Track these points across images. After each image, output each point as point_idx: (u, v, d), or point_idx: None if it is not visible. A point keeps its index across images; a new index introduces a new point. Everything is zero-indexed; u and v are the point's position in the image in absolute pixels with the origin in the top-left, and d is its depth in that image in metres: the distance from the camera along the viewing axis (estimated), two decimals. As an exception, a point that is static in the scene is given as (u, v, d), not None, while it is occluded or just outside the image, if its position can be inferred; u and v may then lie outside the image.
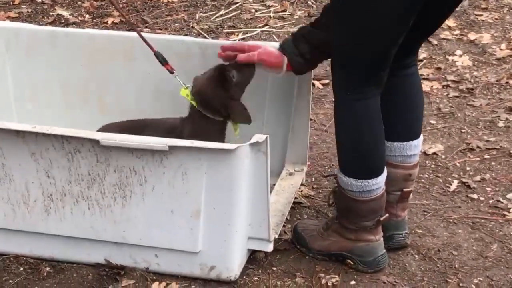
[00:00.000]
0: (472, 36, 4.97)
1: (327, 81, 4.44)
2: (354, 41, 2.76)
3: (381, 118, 2.88)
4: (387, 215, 2.98)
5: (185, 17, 5.30)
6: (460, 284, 2.96)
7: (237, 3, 5.47)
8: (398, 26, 2.72)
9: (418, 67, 4.31)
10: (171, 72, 3.15)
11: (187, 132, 3.03)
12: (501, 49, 4.79)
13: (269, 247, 2.96)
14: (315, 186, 3.54)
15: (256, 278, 2.98)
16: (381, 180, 2.92)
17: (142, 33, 3.24)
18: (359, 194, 2.91)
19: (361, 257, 2.99)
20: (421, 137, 3.09)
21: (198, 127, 3.05)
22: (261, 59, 3.03)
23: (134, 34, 3.29)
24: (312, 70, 3.19)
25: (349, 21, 2.74)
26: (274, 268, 3.03)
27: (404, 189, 3.06)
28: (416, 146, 3.06)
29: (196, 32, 5.08)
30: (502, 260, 3.08)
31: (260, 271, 3.02)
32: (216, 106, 3.02)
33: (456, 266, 3.05)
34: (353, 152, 2.91)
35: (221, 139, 3.06)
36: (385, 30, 2.71)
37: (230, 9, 5.40)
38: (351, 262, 3.01)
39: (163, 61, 3.16)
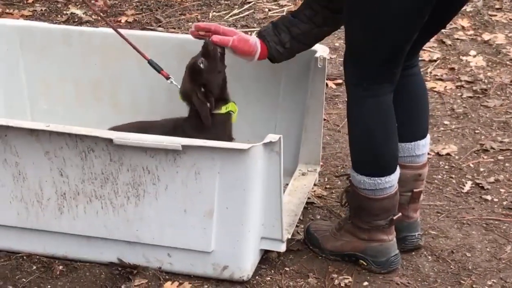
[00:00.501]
0: (486, 36, 4.95)
1: (340, 81, 4.43)
2: (369, 37, 2.75)
3: (394, 115, 2.87)
4: (400, 214, 2.97)
5: (199, 16, 5.29)
6: (474, 286, 2.95)
7: (250, 2, 5.46)
8: (413, 22, 2.71)
9: (432, 68, 4.31)
10: (167, 78, 3.17)
11: (188, 130, 3.04)
12: (515, 50, 4.78)
13: (282, 247, 2.96)
14: (328, 186, 3.53)
15: (269, 278, 2.98)
16: (394, 178, 2.91)
17: (143, 30, 3.25)
18: (372, 192, 2.90)
19: (374, 257, 2.98)
20: (428, 136, 3.08)
21: (198, 123, 3.05)
22: (234, 46, 3.03)
23: (147, 33, 3.30)
24: (326, 72, 3.17)
25: (364, 16, 2.73)
26: (287, 269, 3.03)
27: (415, 190, 3.05)
28: (424, 146, 3.05)
29: (209, 31, 5.07)
30: (516, 262, 3.08)
31: (272, 271, 3.01)
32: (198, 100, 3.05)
33: (470, 267, 3.04)
34: (365, 149, 2.90)
35: (225, 132, 3.07)
36: (400, 26, 2.70)
37: (244, 8, 5.39)
38: (364, 263, 3.00)
39: (158, 69, 3.18)
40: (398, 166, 2.94)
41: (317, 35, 3.05)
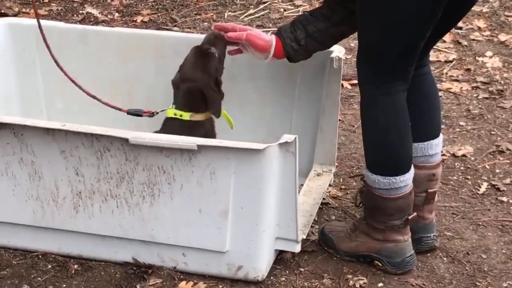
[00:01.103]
0: (502, 37, 4.93)
1: (355, 81, 4.42)
2: (383, 35, 2.75)
3: (407, 114, 2.87)
4: (415, 214, 2.96)
5: (214, 16, 5.30)
6: (489, 288, 2.94)
7: (266, 2, 5.46)
8: (426, 20, 2.70)
9: (448, 69, 4.29)
10: (152, 114, 3.16)
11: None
12: (531, 51, 4.76)
13: (297, 248, 2.95)
14: (343, 187, 3.52)
15: (284, 279, 2.97)
16: (408, 177, 2.90)
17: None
18: (387, 192, 2.90)
19: (390, 258, 2.97)
20: (441, 135, 3.07)
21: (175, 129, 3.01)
22: (249, 39, 3.03)
23: (163, 32, 3.30)
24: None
25: (378, 14, 2.72)
26: (302, 269, 3.02)
27: (429, 190, 3.04)
28: (437, 145, 3.05)
29: (224, 31, 5.07)
30: (532, 264, 3.06)
31: (287, 271, 3.01)
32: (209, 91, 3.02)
33: (485, 269, 3.03)
34: (379, 148, 2.90)
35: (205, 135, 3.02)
36: (414, 23, 2.70)
37: (259, 8, 5.39)
38: (379, 264, 3.00)
39: (139, 113, 3.18)
40: (412, 165, 2.93)
41: (334, 34, 3.05)
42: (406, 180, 2.90)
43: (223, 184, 2.81)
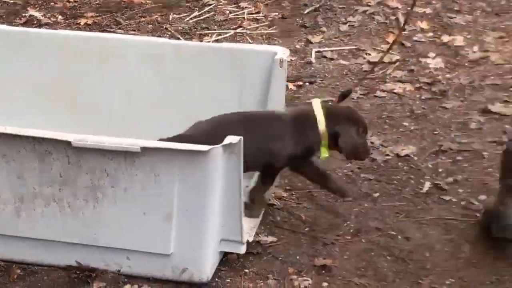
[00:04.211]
0: (445, 38, 4.99)
1: (300, 82, 4.45)
2: None
3: None
4: None
5: (159, 19, 5.28)
6: (432, 285, 2.97)
7: (210, 4, 5.46)
8: None
9: (391, 70, 4.33)
10: None
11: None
12: (473, 51, 4.81)
13: (242, 249, 2.96)
14: (288, 187, 3.53)
15: (229, 280, 2.97)
16: None
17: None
18: None
19: None
20: None
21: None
22: None
23: (107, 35, 3.29)
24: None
25: None
26: (247, 270, 3.03)
27: None
28: None
29: (169, 33, 5.06)
30: (474, 261, 3.09)
31: (232, 273, 3.01)
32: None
33: (428, 267, 3.06)
34: None
35: None
36: None
37: (204, 10, 5.39)
38: None
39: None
40: None
41: None
42: None
43: (167, 187, 2.80)
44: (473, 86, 4.43)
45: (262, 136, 3.09)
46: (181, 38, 4.97)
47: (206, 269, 2.91)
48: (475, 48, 4.85)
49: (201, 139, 2.86)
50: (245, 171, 2.85)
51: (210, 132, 3.04)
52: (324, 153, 3.14)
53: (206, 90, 3.47)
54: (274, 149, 3.10)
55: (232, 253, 3.01)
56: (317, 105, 3.15)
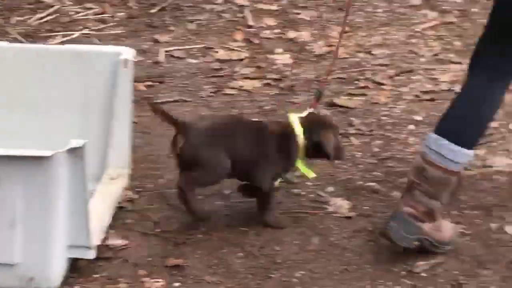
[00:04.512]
0: (291, 34, 5.07)
1: (150, 83, 4.42)
2: None
3: None
4: None
5: (1, 21, 5.13)
6: (283, 279, 3.01)
7: (54, 6, 5.33)
8: None
9: (240, 67, 4.36)
10: None
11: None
12: (319, 46, 4.91)
13: (91, 254, 2.91)
14: (139, 189, 3.50)
15: (78, 287, 2.92)
16: None
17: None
18: None
19: None
20: None
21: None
22: None
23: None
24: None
25: None
26: (97, 275, 2.98)
27: None
28: None
29: (12, 36, 4.92)
30: (323, 252, 3.15)
31: (82, 279, 2.96)
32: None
33: (279, 261, 3.10)
34: None
35: None
36: None
37: (48, 12, 5.26)
38: None
39: None
40: None
41: None
42: None
43: (10, 194, 2.74)
44: (319, 80, 4.51)
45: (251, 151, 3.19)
46: (24, 41, 4.84)
47: (54, 276, 2.84)
48: (321, 42, 4.95)
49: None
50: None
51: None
52: (304, 169, 3.29)
53: (48, 93, 3.39)
54: (258, 173, 3.22)
55: (82, 259, 2.96)
56: (293, 119, 3.25)
